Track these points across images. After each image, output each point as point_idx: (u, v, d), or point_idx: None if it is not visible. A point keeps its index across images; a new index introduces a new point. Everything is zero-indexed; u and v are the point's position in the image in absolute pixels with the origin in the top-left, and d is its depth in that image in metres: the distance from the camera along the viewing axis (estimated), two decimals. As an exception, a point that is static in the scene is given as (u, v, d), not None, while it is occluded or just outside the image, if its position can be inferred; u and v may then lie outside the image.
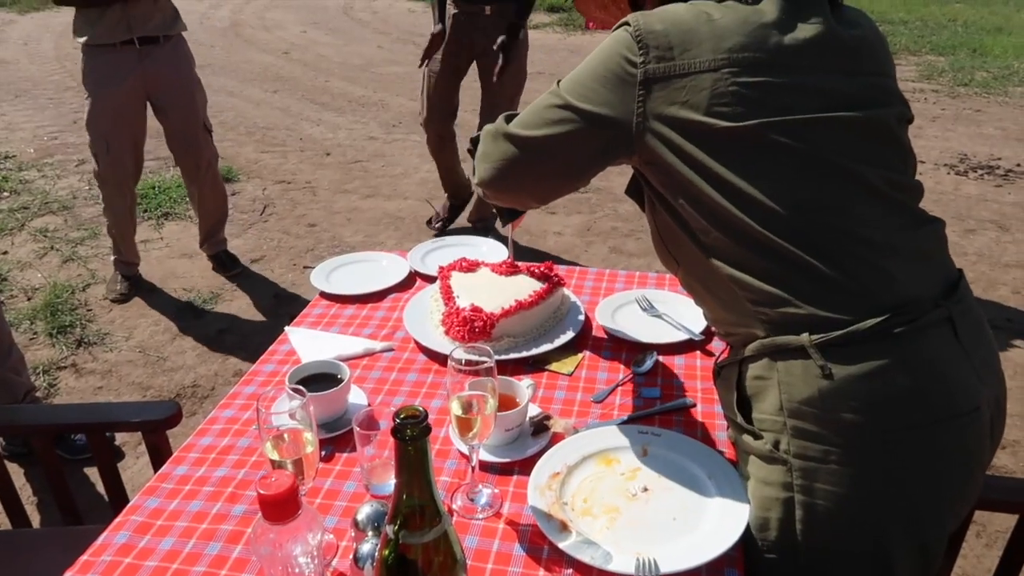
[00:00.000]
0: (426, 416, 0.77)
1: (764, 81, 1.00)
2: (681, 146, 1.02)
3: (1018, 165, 5.17)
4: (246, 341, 3.10)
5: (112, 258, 3.53)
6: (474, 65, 3.76)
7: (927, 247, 1.06)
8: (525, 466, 1.21)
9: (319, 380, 1.34)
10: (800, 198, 1.00)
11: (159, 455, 1.53)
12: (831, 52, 1.04)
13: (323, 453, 1.27)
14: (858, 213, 1.01)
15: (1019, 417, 2.67)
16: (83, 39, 3.02)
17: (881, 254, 1.00)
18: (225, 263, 3.68)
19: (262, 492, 0.79)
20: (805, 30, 1.03)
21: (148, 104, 3.20)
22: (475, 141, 1.29)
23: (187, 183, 3.49)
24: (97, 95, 3.09)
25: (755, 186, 0.99)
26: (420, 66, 3.74)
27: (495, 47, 3.50)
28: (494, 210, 1.49)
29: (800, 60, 1.02)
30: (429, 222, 4.21)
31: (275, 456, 1.03)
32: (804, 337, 0.99)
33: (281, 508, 0.80)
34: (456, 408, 1.10)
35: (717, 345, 1.56)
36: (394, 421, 0.76)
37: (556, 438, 1.27)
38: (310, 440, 1.04)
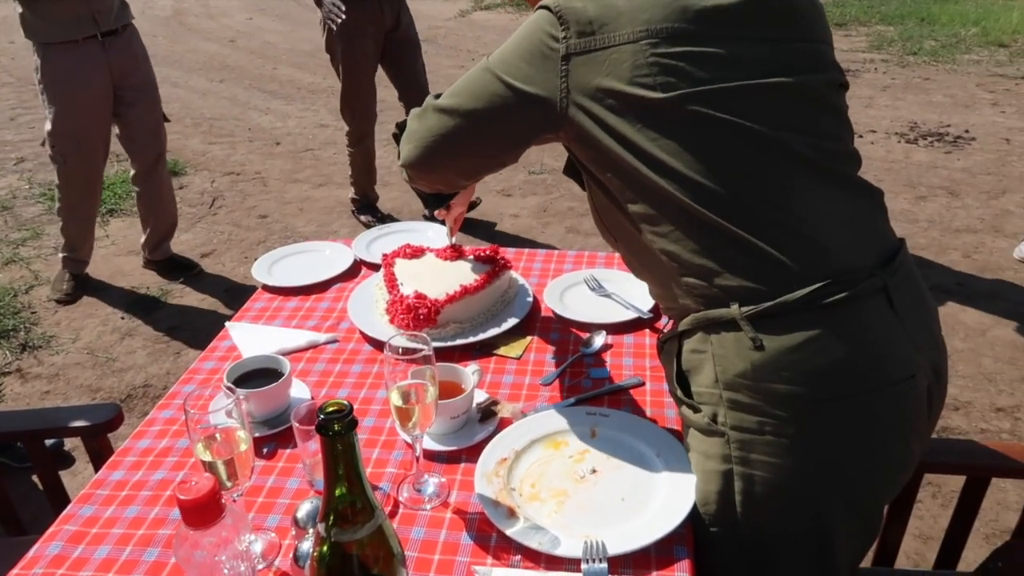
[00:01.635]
0: (351, 410, 0.74)
1: (684, 51, 0.99)
2: (605, 119, 1.01)
3: (966, 132, 5.26)
4: (198, 337, 3.03)
5: (60, 255, 3.39)
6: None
7: (862, 217, 1.05)
8: (472, 453, 1.19)
9: (260, 376, 1.30)
10: (725, 169, 0.99)
11: (101, 460, 1.48)
12: (757, 19, 1.03)
13: (264, 450, 1.23)
14: (785, 183, 1.00)
15: (971, 379, 2.72)
16: (40, 37, 2.88)
17: (811, 225, 0.99)
18: (181, 265, 3.54)
19: (181, 497, 0.75)
20: None
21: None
22: (401, 126, 1.26)
23: (141, 181, 3.31)
24: (66, 94, 2.95)
25: (679, 158, 0.99)
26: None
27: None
28: (419, 196, 1.47)
29: (722, 29, 1.01)
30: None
31: (207, 457, 0.99)
32: (734, 309, 0.98)
33: (202, 513, 0.76)
34: (395, 398, 1.07)
35: (666, 322, 1.54)
36: (318, 417, 0.73)
37: (504, 423, 1.26)
38: (243, 439, 1.00)
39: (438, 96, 1.18)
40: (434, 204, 1.45)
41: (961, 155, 4.87)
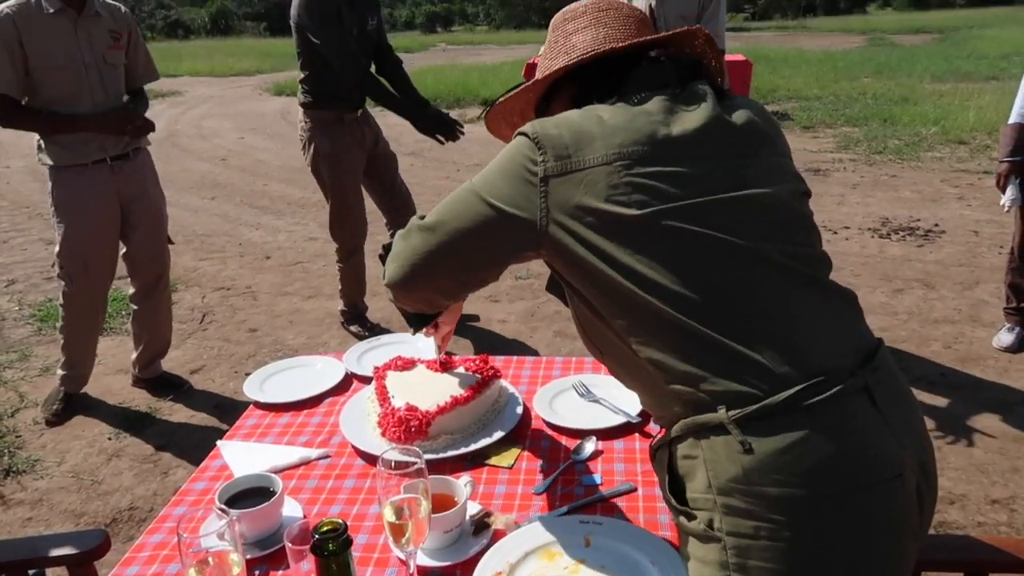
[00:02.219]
0: (346, 528, 0.75)
1: (655, 171, 1.06)
2: (584, 236, 1.06)
3: (936, 225, 5.43)
4: (186, 456, 3.00)
5: (59, 374, 3.37)
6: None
7: (838, 319, 1.09)
8: (467, 568, 1.18)
9: (251, 495, 1.29)
10: (703, 279, 1.04)
11: (86, 590, 1.45)
12: (719, 138, 1.11)
13: (256, 573, 1.22)
14: (762, 290, 1.05)
15: (963, 471, 2.71)
16: (51, 161, 2.97)
17: (789, 328, 1.03)
18: (171, 383, 3.53)
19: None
20: (691, 120, 1.10)
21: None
22: (387, 248, 1.31)
23: (139, 300, 3.34)
24: (74, 217, 3.01)
25: (657, 270, 1.03)
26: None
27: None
28: (404, 317, 1.49)
29: (689, 149, 1.08)
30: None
31: (199, 583, 0.98)
32: (721, 413, 1.01)
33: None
34: (388, 514, 1.07)
35: (654, 426, 1.56)
36: (312, 536, 0.74)
37: (497, 535, 1.25)
38: (236, 562, 1.00)
39: (423, 217, 1.23)
40: (418, 324, 1.47)
41: (933, 248, 5.01)
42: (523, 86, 1.28)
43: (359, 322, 4.06)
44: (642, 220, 1.04)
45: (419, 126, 3.64)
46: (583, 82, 1.21)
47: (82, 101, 2.92)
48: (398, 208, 3.84)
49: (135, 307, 3.36)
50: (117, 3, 3.10)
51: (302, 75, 3.66)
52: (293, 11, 3.51)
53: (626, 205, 1.04)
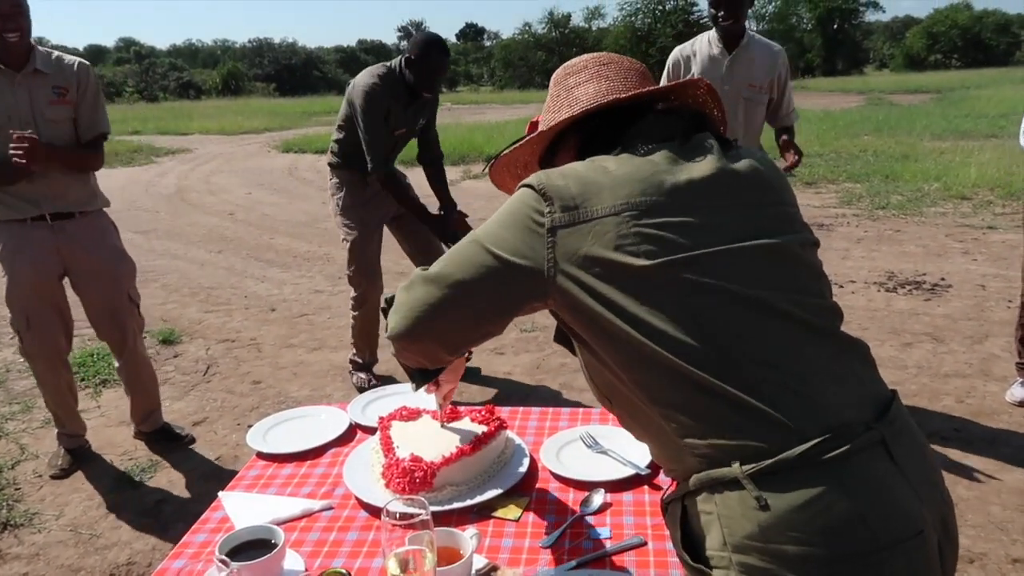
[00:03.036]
0: (351, 579, 0.73)
1: (664, 222, 1.05)
2: (593, 286, 1.05)
3: (942, 279, 5.42)
4: (186, 510, 2.94)
5: (55, 431, 3.36)
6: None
7: (852, 370, 1.07)
8: (473, 624, 1.14)
9: (253, 547, 1.27)
10: (714, 330, 1.01)
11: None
12: (727, 188, 1.10)
13: (256, 628, 1.18)
14: (774, 341, 1.03)
15: (982, 528, 2.65)
16: None
17: (802, 380, 1.01)
18: (174, 435, 3.48)
19: None
20: (697, 170, 1.10)
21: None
22: (389, 301, 1.29)
23: (116, 357, 3.33)
24: (12, 271, 2.99)
25: (668, 322, 1.01)
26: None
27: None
28: (406, 373, 1.42)
29: (697, 199, 1.08)
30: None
31: (198, 637, 0.95)
32: (735, 468, 0.98)
33: None
34: (393, 566, 1.04)
35: (664, 478, 1.53)
36: (316, 587, 0.72)
37: (504, 590, 1.22)
38: (236, 615, 0.97)
39: (425, 269, 1.22)
40: (420, 380, 1.41)
41: (940, 302, 5.00)
42: (528, 138, 1.28)
43: (366, 370, 4.04)
44: (651, 270, 1.02)
45: (437, 234, 3.81)
46: (587, 134, 1.22)
47: None
48: (430, 261, 3.86)
49: (116, 364, 3.34)
50: (75, 57, 3.08)
51: (337, 136, 3.80)
52: (353, 87, 3.65)
53: (635, 255, 1.03)
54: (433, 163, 4.01)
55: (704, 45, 3.55)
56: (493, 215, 1.16)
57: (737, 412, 0.99)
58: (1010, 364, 3.78)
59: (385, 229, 3.94)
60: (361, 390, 3.99)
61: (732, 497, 0.98)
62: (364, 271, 3.84)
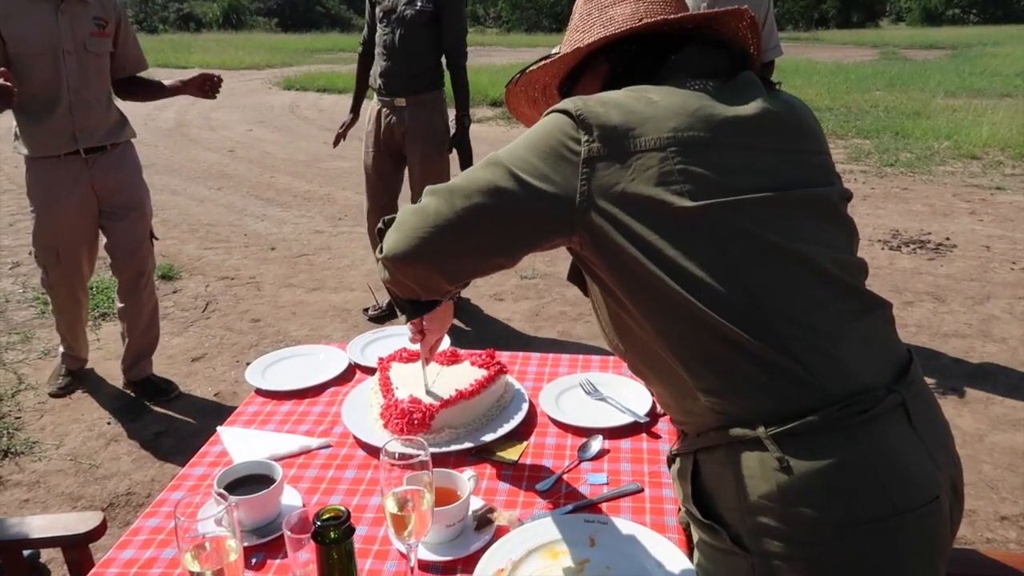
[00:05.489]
0: (348, 516, 0.73)
1: (711, 160, 0.99)
2: (628, 224, 0.98)
3: (947, 239, 5.39)
4: (184, 444, 2.97)
5: (60, 351, 3.40)
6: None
7: (877, 331, 1.05)
8: (469, 564, 1.15)
9: (251, 482, 1.27)
10: (751, 282, 0.97)
11: (81, 573, 1.43)
12: (773, 131, 1.05)
13: (253, 560, 1.19)
14: (809, 297, 0.99)
15: (973, 486, 2.68)
16: (25, 151, 2.92)
17: (832, 341, 0.98)
18: (158, 388, 3.38)
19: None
20: (747, 109, 1.03)
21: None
22: (388, 222, 1.19)
23: (123, 296, 3.26)
24: (45, 209, 2.97)
25: (704, 269, 0.96)
26: (334, 146, 4.01)
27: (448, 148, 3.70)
28: (394, 303, 1.28)
29: (745, 139, 1.02)
30: (366, 310, 4.18)
31: (195, 567, 0.96)
32: (760, 430, 0.95)
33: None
34: (391, 505, 1.04)
35: (663, 427, 1.53)
36: (314, 523, 0.72)
37: (500, 531, 1.22)
38: (233, 548, 0.97)
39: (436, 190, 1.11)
40: (411, 312, 1.26)
41: (944, 262, 4.97)
42: (557, 56, 1.17)
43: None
44: (694, 212, 0.96)
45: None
46: (621, 59, 1.12)
47: (59, 89, 2.84)
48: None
49: (120, 304, 3.28)
50: None
51: None
52: None
53: (679, 194, 0.96)
54: (448, 68, 3.80)
55: None
56: (517, 139, 1.06)
57: (764, 370, 0.96)
58: (1010, 325, 3.78)
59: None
60: (364, 311, 4.16)
61: (752, 457, 0.96)
62: (372, 203, 3.90)
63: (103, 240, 3.17)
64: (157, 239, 3.28)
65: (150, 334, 3.37)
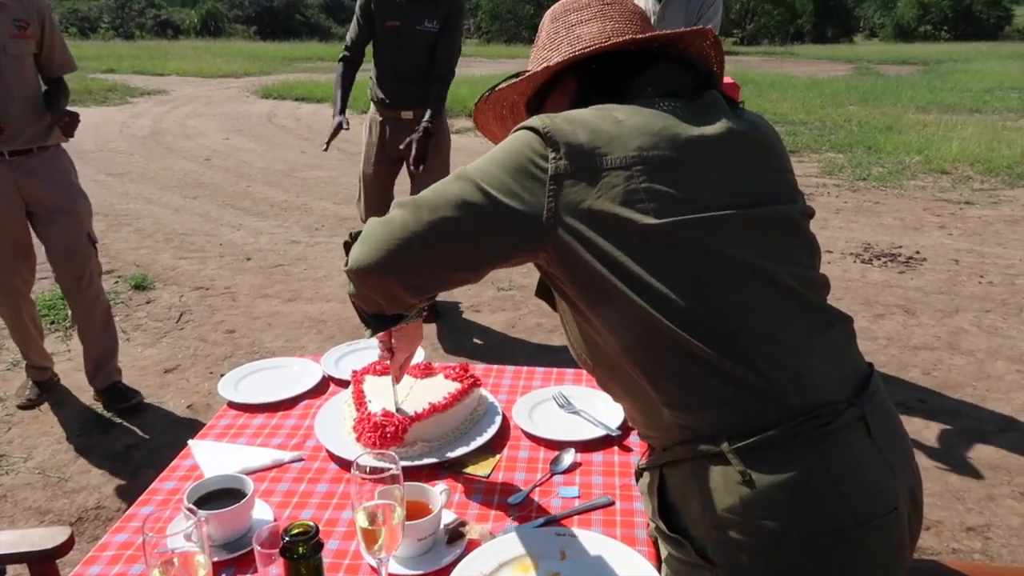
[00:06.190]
0: (317, 531, 0.73)
1: (676, 178, 1.01)
2: (595, 242, 0.99)
3: (917, 253, 5.48)
4: (155, 457, 2.94)
5: (24, 363, 3.36)
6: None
7: (839, 346, 1.07)
8: (439, 578, 1.16)
9: (222, 496, 1.26)
10: (715, 298, 0.99)
11: (46, 589, 1.40)
12: (737, 149, 1.07)
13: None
14: (772, 313, 1.01)
15: (939, 497, 2.72)
16: None
17: (796, 356, 1.00)
18: (122, 395, 3.32)
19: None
20: (711, 128, 1.05)
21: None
22: (355, 236, 1.18)
23: (70, 302, 3.23)
24: None
25: (669, 285, 0.98)
26: (325, 150, 3.84)
27: (402, 145, 3.66)
28: (360, 317, 1.28)
29: (709, 157, 1.04)
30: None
31: (163, 584, 0.95)
32: (723, 444, 0.97)
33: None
34: (361, 519, 1.05)
35: (634, 440, 1.55)
36: (282, 539, 0.72)
37: (472, 545, 1.23)
38: (202, 563, 0.97)
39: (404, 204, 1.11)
40: (377, 326, 1.25)
41: (914, 275, 5.05)
42: (526, 75, 1.18)
43: None
44: (659, 230, 0.98)
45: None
46: (589, 77, 1.14)
47: None
48: None
49: (70, 310, 3.25)
50: None
51: None
52: None
53: (644, 212, 0.98)
54: (432, 82, 3.80)
55: None
56: (486, 155, 1.07)
57: (728, 385, 0.98)
58: (977, 338, 3.85)
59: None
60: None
61: (716, 471, 0.98)
62: (364, 201, 3.91)
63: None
64: (97, 241, 3.21)
65: (106, 338, 3.29)
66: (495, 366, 1.90)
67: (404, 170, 3.89)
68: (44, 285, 4.12)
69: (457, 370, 1.65)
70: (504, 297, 4.59)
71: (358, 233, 1.17)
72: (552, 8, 1.24)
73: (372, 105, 3.90)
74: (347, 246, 1.19)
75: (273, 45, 33.59)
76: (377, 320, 1.24)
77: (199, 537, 0.96)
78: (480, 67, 21.39)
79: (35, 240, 3.13)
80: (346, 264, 1.15)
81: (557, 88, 1.19)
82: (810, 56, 30.20)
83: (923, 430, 3.15)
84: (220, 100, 14.83)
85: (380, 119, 3.86)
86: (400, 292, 1.13)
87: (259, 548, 1.05)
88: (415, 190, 3.85)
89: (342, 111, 3.82)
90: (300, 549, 0.71)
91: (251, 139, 10.40)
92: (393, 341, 1.38)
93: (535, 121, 1.05)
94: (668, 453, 1.04)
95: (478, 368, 1.82)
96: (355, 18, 3.77)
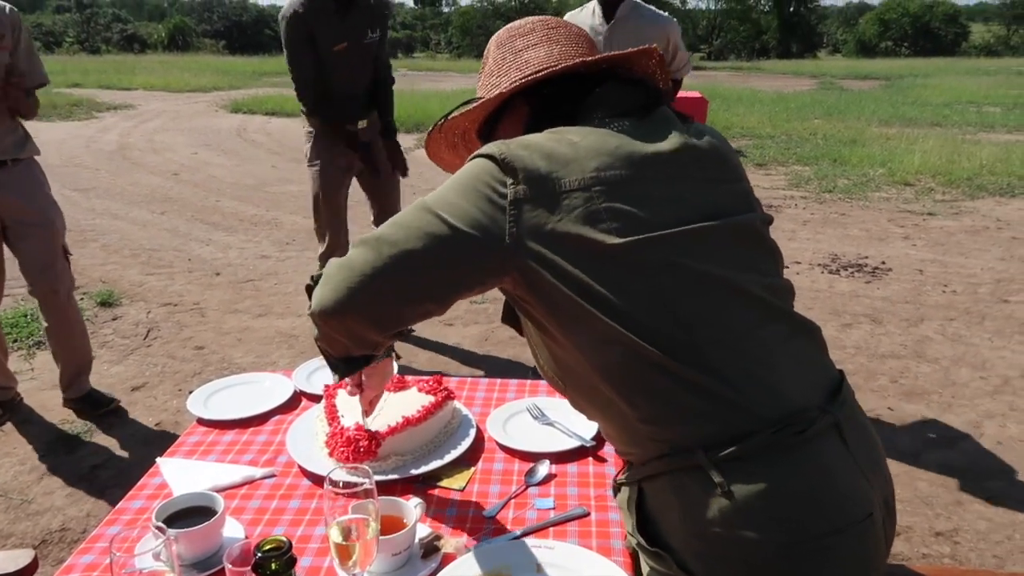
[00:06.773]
0: (290, 547, 0.72)
1: (634, 196, 1.02)
2: (559, 263, 1.00)
3: (883, 263, 5.57)
4: (122, 476, 2.88)
5: None
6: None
7: (808, 353, 1.08)
8: (415, 593, 1.14)
9: (191, 514, 1.24)
10: (681, 312, 0.99)
11: (9, 614, 1.37)
12: (692, 163, 1.08)
13: (193, 596, 1.16)
14: (738, 324, 1.02)
15: (909, 503, 2.75)
16: None
17: (765, 365, 1.01)
18: (98, 401, 3.33)
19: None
20: (665, 144, 1.07)
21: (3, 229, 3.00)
22: (316, 279, 1.16)
23: (45, 316, 3.19)
24: None
25: (635, 303, 0.98)
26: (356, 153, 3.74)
27: (369, 159, 3.68)
28: (327, 363, 1.25)
29: (666, 172, 1.05)
30: None
31: (131, 605, 0.93)
32: (699, 455, 0.97)
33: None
34: (335, 535, 1.03)
35: (609, 450, 1.55)
36: (254, 555, 0.71)
37: (447, 559, 1.22)
38: (171, 583, 0.95)
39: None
40: (344, 369, 1.22)
41: (880, 285, 5.14)
42: (479, 102, 1.19)
43: None
44: (622, 249, 0.99)
45: (362, 156, 3.70)
46: (540, 101, 1.15)
47: None
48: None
49: (45, 324, 3.22)
50: (3, 2, 2.91)
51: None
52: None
53: (606, 232, 0.99)
54: (379, 86, 3.78)
55: (588, 14, 3.43)
56: (444, 184, 1.08)
57: (700, 397, 0.98)
58: (942, 346, 3.91)
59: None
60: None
61: (694, 483, 0.98)
62: (322, 220, 3.77)
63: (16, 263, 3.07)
64: (71, 255, 3.18)
65: (83, 349, 3.30)
66: (469, 379, 1.89)
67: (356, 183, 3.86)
68: (7, 303, 4.02)
69: (431, 383, 1.65)
70: (477, 310, 4.59)
71: (319, 276, 1.15)
72: (497, 34, 1.25)
73: (315, 124, 3.71)
74: (309, 290, 1.17)
75: (242, 59, 33.40)
76: (345, 364, 1.22)
77: (168, 556, 0.94)
78: (451, 82, 21.47)
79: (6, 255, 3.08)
80: (309, 308, 1.13)
81: (508, 114, 1.20)
82: (776, 71, 30.73)
83: (891, 437, 3.20)
84: (188, 115, 14.70)
85: (328, 136, 3.70)
86: (366, 331, 1.12)
87: (230, 566, 1.04)
88: (374, 202, 3.86)
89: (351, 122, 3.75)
90: (272, 565, 0.70)
91: (220, 153, 10.30)
92: (364, 378, 1.33)
93: (491, 148, 1.06)
94: (646, 468, 1.04)
95: (452, 381, 1.82)
96: (296, 63, 3.51)
